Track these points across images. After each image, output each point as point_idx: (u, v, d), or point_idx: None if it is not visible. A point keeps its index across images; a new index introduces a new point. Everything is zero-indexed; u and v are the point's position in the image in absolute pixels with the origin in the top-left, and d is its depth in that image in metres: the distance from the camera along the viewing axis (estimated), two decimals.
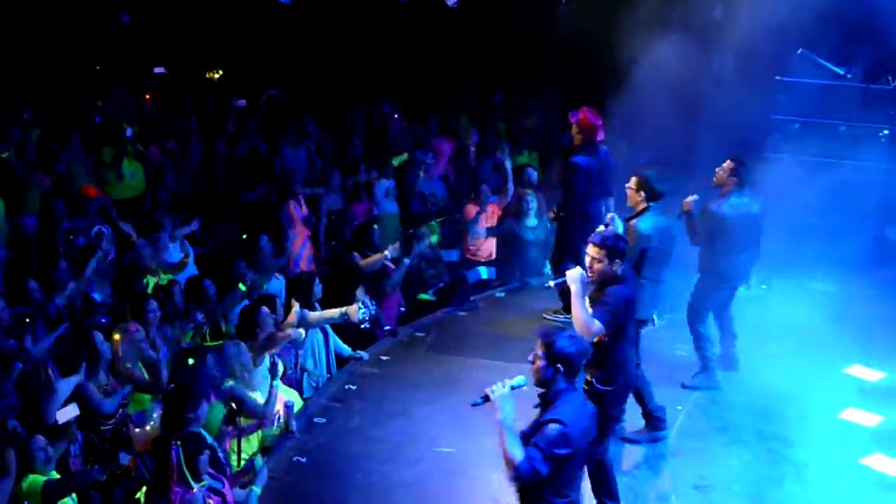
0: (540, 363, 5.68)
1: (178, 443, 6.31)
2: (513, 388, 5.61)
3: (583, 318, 6.86)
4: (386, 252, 10.90)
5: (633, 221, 8.68)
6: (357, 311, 9.58)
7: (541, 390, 5.75)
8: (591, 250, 7.06)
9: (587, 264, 7.07)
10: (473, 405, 5.71)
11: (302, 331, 9.22)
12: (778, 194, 11.96)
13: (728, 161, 9.54)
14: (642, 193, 8.79)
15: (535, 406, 5.79)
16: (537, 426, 5.58)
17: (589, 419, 5.75)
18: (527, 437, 5.58)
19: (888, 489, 8.05)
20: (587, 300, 6.99)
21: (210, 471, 6.60)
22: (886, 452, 8.53)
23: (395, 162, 14.03)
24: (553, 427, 5.49)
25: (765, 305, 11.22)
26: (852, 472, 8.24)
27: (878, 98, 12.86)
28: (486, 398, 5.60)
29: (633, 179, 8.90)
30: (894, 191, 12.00)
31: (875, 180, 12.26)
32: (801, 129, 13.47)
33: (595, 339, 6.92)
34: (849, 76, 13.05)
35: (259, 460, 7.76)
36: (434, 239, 13.02)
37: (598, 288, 7.05)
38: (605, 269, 6.99)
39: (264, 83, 16.51)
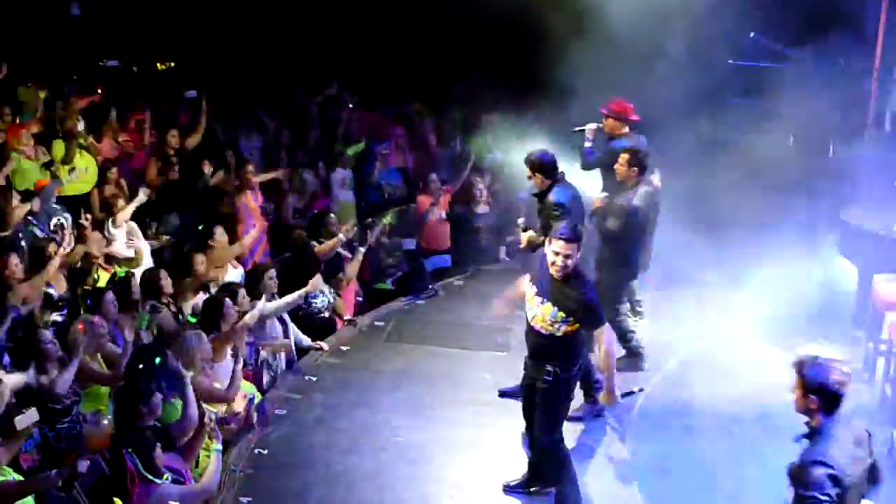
0: (798, 391, 5.33)
1: (129, 450, 6.25)
2: None
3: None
4: (341, 235, 10.81)
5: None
6: (318, 282, 9.57)
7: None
8: (560, 247, 6.82)
9: (553, 261, 6.86)
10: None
11: (269, 304, 9.29)
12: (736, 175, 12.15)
13: (622, 154, 9.39)
14: (539, 175, 8.78)
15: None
16: (798, 469, 5.25)
17: (846, 454, 5.23)
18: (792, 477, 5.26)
19: None
20: (549, 301, 6.95)
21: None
22: None
23: (351, 152, 14.01)
24: (817, 469, 5.12)
25: (721, 287, 11.32)
26: None
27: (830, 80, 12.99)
28: None
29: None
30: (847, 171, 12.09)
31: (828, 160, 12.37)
32: (755, 112, 13.61)
33: (560, 333, 6.97)
34: (800, 58, 13.18)
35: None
36: (388, 219, 13.05)
37: (564, 282, 6.91)
38: (578, 262, 6.95)
39: (217, 74, 16.40)
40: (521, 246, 9.10)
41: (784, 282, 11.17)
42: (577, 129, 10.41)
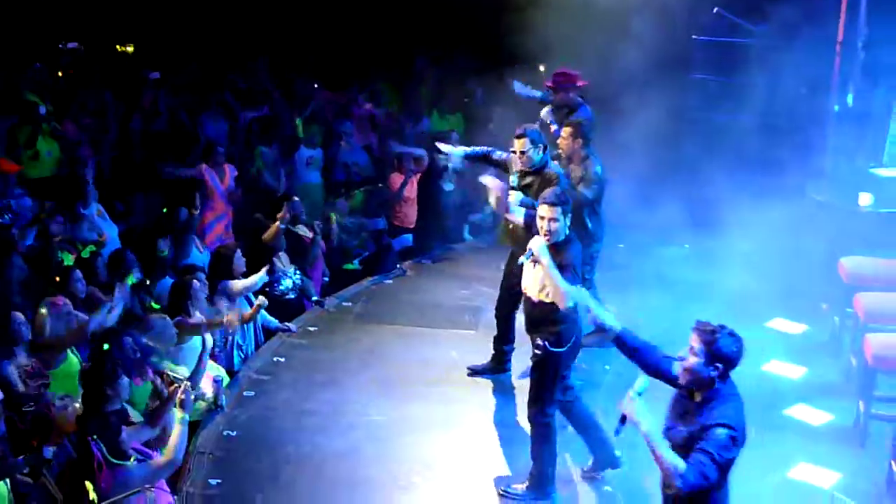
0: (696, 360, 5.28)
1: (94, 437, 6.20)
2: (639, 394, 5.33)
3: (562, 287, 6.84)
4: (278, 222, 10.59)
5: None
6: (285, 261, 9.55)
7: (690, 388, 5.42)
8: (545, 210, 7.02)
9: (540, 226, 7.05)
10: (618, 433, 5.43)
11: (235, 283, 9.29)
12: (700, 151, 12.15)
13: (564, 128, 9.33)
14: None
15: (678, 402, 5.53)
16: (700, 430, 5.20)
17: (744, 415, 5.36)
18: (685, 442, 5.25)
19: (811, 438, 8.23)
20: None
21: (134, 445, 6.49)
22: (809, 403, 8.72)
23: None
24: (721, 431, 5.12)
25: (687, 263, 11.38)
26: (777, 423, 8.40)
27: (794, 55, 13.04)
28: (624, 418, 5.28)
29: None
30: (812, 147, 12.17)
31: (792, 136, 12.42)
32: (719, 87, 13.66)
33: (547, 298, 7.01)
34: (763, 33, 13.24)
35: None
36: (359, 199, 13.03)
37: (554, 249, 7.01)
38: (561, 228, 7.01)
39: (179, 56, 16.25)
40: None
41: (750, 257, 11.26)
42: (523, 95, 10.42)
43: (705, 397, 5.31)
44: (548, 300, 7.02)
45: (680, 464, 5.08)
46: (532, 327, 7.28)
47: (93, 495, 5.88)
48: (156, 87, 14.44)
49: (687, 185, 12.47)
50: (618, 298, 9.88)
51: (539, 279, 7.11)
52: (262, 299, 9.28)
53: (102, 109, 13.72)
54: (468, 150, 9.14)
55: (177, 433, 6.35)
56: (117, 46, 17.93)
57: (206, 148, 12.18)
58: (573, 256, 7.03)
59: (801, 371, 9.34)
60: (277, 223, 10.46)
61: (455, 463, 7.82)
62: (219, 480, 7.52)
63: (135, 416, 7.05)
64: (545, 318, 7.12)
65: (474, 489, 7.52)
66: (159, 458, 6.32)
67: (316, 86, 15.75)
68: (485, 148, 9.01)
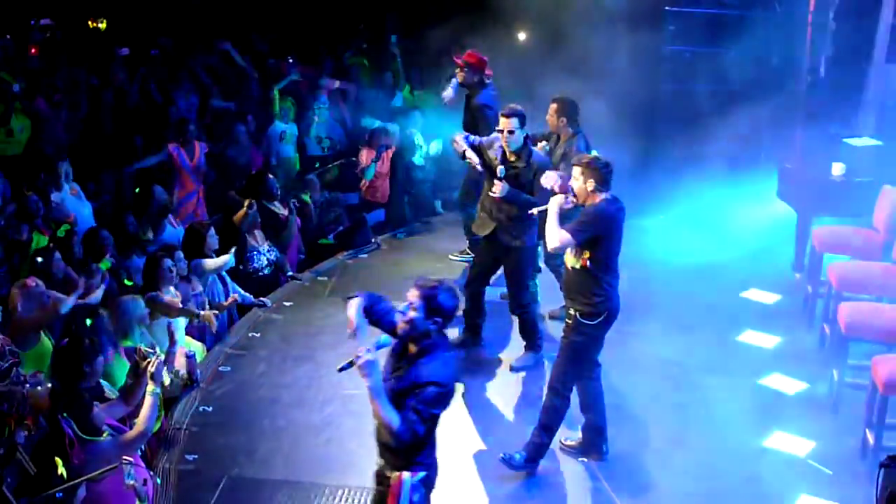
0: (416, 314, 5.44)
1: (64, 415, 6.16)
2: (378, 347, 5.48)
3: (554, 229, 6.92)
4: (245, 206, 10.34)
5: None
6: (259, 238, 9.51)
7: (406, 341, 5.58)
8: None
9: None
10: (340, 370, 5.47)
11: (207, 261, 9.32)
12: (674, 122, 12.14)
13: (552, 105, 9.27)
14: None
15: (395, 354, 5.65)
16: (412, 386, 5.38)
17: (456, 371, 5.62)
18: (396, 396, 5.40)
19: (785, 406, 8.27)
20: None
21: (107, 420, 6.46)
22: (783, 372, 8.75)
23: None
24: (431, 389, 5.34)
25: (662, 234, 11.40)
26: (752, 392, 8.45)
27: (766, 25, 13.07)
28: (351, 363, 5.35)
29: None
30: (785, 117, 12.20)
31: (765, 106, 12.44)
32: (692, 59, 13.66)
33: (579, 265, 6.98)
34: (735, 4, 13.25)
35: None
36: (335, 173, 12.99)
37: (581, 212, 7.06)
38: (581, 189, 6.98)
39: (151, 32, 16.13)
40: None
41: (723, 226, 11.32)
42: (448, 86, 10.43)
43: (420, 349, 5.48)
44: (579, 265, 6.99)
45: (396, 420, 5.31)
46: (567, 296, 7.22)
47: (62, 470, 5.85)
48: (126, 64, 14.34)
49: (660, 156, 12.50)
50: None
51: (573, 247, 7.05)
52: (235, 295, 9.33)
53: (74, 86, 13.62)
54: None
55: (147, 405, 6.31)
56: (90, 22, 17.78)
57: (177, 125, 12.07)
58: (586, 213, 6.97)
59: (775, 340, 9.38)
60: (244, 209, 10.33)
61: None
62: (195, 456, 7.53)
63: (110, 392, 7.02)
64: (580, 289, 7.06)
65: (450, 462, 7.50)
66: (129, 433, 6.29)
67: (290, 60, 15.66)
68: (466, 135, 8.93)
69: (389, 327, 5.71)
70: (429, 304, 5.43)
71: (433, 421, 5.46)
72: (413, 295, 5.47)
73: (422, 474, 5.56)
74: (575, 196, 7.04)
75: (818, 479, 7.31)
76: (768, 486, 7.21)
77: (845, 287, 8.82)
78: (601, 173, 6.93)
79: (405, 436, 5.34)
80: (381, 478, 5.66)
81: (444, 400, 5.42)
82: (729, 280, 10.42)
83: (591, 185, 6.93)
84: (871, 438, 7.40)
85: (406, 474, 5.52)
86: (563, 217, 7.04)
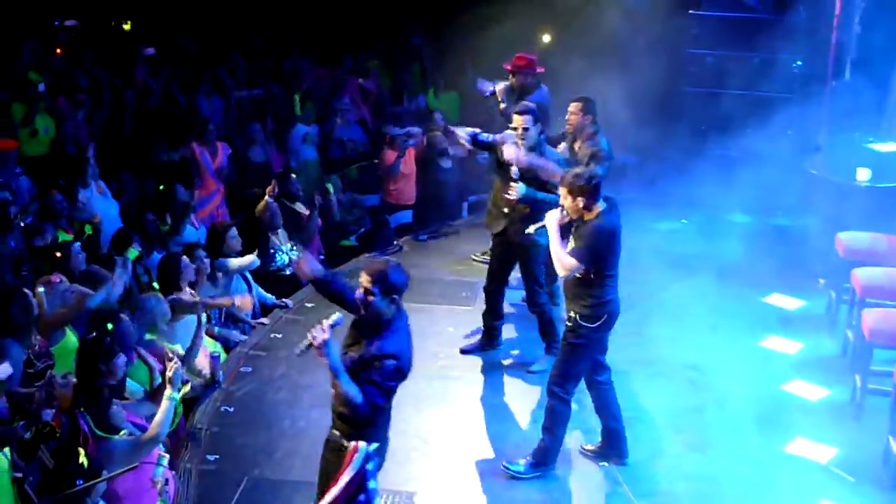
0: (373, 297, 5.62)
1: (81, 409, 6.18)
2: (332, 327, 5.59)
3: (559, 255, 6.95)
4: (267, 196, 10.44)
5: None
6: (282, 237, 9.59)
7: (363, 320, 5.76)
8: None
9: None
10: (299, 354, 5.68)
11: (231, 261, 9.39)
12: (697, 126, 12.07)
13: (573, 103, 9.32)
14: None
15: (353, 328, 5.82)
16: (370, 359, 5.57)
17: (411, 345, 5.79)
18: (355, 371, 5.59)
19: (807, 413, 8.22)
20: (571, 240, 7.06)
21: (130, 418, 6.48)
22: (805, 378, 8.71)
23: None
24: (389, 362, 5.54)
25: (685, 238, 11.37)
26: (773, 398, 8.39)
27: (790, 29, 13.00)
28: (310, 345, 5.54)
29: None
30: (809, 122, 12.12)
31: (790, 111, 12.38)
32: (715, 62, 13.62)
33: (578, 275, 6.98)
34: (759, 8, 13.19)
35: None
36: (354, 174, 12.98)
37: (576, 227, 7.06)
38: (573, 207, 6.98)
39: (174, 33, 16.19)
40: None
41: (747, 232, 11.26)
42: (487, 92, 10.37)
43: (379, 326, 5.66)
44: (578, 273, 6.98)
45: (357, 395, 5.52)
46: (569, 298, 7.24)
47: (83, 459, 5.87)
48: (150, 64, 14.40)
49: (681, 160, 12.45)
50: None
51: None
52: (230, 300, 9.32)
53: (97, 86, 13.68)
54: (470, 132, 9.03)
55: (162, 410, 6.32)
56: (115, 23, 17.88)
57: (199, 126, 12.12)
58: (588, 232, 6.96)
59: (798, 346, 9.33)
60: (266, 197, 10.37)
61: (451, 438, 7.83)
62: (216, 456, 7.55)
63: (134, 391, 7.06)
64: (579, 292, 7.08)
65: (470, 463, 7.53)
66: (141, 436, 6.31)
67: (308, 63, 15.70)
68: (475, 130, 8.94)
69: (348, 304, 5.90)
70: (383, 285, 5.62)
71: (388, 393, 5.66)
72: (365, 280, 5.65)
73: (376, 445, 5.75)
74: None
75: (840, 486, 7.26)
76: (790, 493, 7.16)
77: (869, 293, 8.76)
78: (588, 188, 6.93)
79: (364, 409, 5.55)
80: (335, 445, 5.84)
81: (400, 374, 5.63)
82: (751, 285, 10.37)
83: (580, 202, 6.93)
84: (893, 446, 7.33)
85: (362, 443, 5.70)
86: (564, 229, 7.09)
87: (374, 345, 5.62)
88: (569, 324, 7.15)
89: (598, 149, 9.04)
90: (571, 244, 7.02)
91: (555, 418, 7.30)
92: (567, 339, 7.20)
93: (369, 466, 5.71)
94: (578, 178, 6.96)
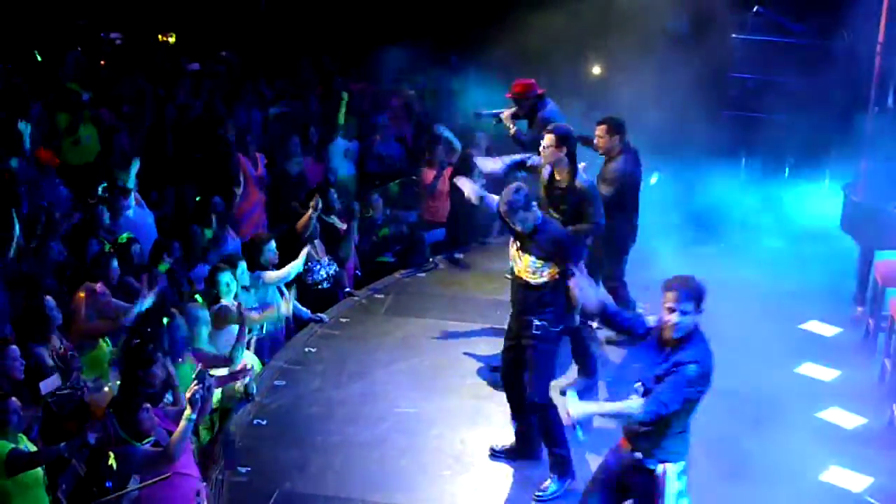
0: (686, 317, 5.58)
1: (111, 410, 6.23)
2: (563, 394, 5.76)
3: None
4: (311, 210, 10.49)
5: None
6: (303, 256, 9.73)
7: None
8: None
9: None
10: (583, 435, 5.80)
11: (268, 273, 9.46)
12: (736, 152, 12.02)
13: (600, 126, 9.22)
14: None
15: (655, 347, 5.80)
16: (672, 366, 5.58)
17: (712, 357, 5.72)
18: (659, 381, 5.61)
19: (844, 442, 8.15)
20: (527, 253, 7.27)
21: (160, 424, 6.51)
22: (843, 406, 8.63)
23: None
24: (692, 367, 5.54)
25: (721, 263, 11.30)
26: (809, 426, 8.32)
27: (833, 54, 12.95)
28: (575, 424, 5.66)
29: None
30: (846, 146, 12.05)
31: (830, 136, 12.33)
32: (757, 87, 13.58)
33: (543, 279, 7.18)
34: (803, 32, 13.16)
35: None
36: (395, 191, 13.00)
37: (533, 234, 7.25)
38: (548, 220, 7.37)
39: (217, 47, 16.34)
40: None
41: (785, 258, 11.21)
42: (484, 113, 10.37)
43: (682, 338, 5.63)
44: (543, 278, 7.16)
45: (634, 406, 5.60)
46: (527, 309, 7.32)
47: (112, 461, 5.93)
48: (193, 78, 14.51)
49: (720, 184, 12.40)
50: (650, 296, 9.81)
51: (529, 263, 7.21)
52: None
53: (140, 98, 13.81)
54: (507, 161, 9.05)
55: (179, 430, 6.26)
56: (159, 36, 18.06)
57: (237, 137, 12.21)
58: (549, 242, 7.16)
59: (835, 374, 9.26)
60: (310, 212, 10.44)
61: (484, 456, 7.81)
62: (248, 468, 7.57)
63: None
64: (542, 300, 7.22)
65: (502, 482, 7.52)
66: (156, 450, 6.32)
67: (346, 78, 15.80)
68: (521, 156, 8.94)
69: (637, 334, 5.98)
70: (695, 295, 5.62)
71: (687, 400, 5.62)
72: (670, 298, 5.61)
73: (683, 463, 5.83)
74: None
75: None
76: None
77: None
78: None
79: (652, 405, 5.58)
80: (638, 469, 5.85)
81: (702, 381, 5.58)
82: (788, 312, 10.30)
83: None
84: None
85: (671, 465, 5.77)
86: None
87: (678, 354, 5.63)
88: (537, 332, 7.25)
89: (627, 166, 9.08)
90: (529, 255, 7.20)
91: (550, 427, 7.32)
92: (536, 348, 7.28)
93: (682, 486, 5.85)
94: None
